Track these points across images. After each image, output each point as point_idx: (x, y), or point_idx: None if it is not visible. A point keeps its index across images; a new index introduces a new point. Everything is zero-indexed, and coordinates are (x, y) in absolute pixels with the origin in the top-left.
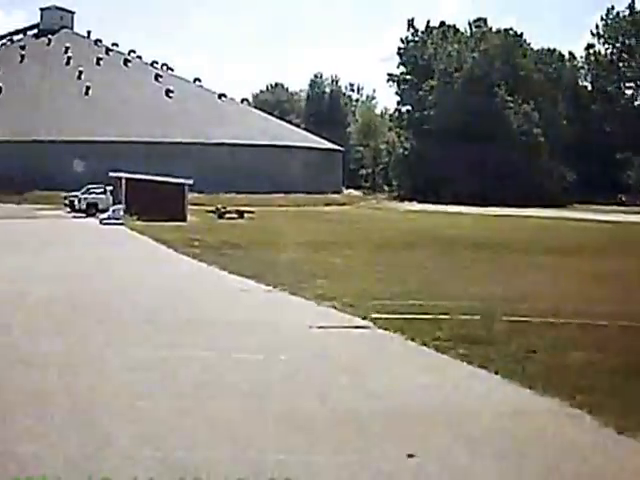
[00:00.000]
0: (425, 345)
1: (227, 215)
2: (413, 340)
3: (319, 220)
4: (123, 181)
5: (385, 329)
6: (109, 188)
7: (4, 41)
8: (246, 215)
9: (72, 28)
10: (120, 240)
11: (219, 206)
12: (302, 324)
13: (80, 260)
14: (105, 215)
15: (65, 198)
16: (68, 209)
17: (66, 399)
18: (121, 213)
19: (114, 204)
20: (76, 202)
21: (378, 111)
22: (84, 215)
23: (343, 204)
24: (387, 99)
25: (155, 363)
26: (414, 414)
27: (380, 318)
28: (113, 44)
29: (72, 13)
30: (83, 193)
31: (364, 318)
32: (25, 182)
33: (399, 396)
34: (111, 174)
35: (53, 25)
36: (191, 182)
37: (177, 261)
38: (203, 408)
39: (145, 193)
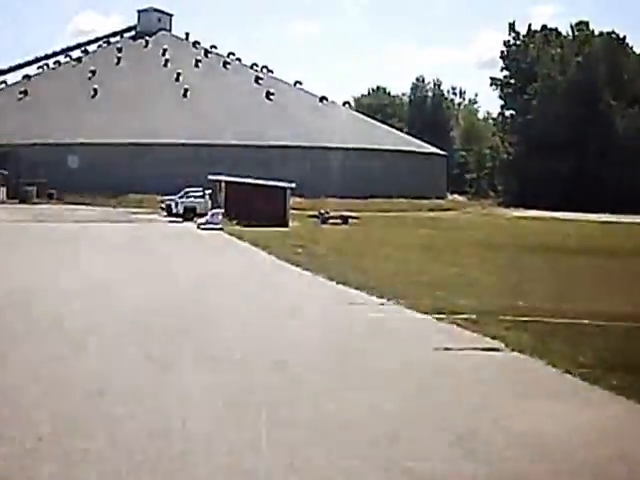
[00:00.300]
0: (569, 373)
1: (330, 220)
2: (554, 366)
3: (427, 226)
4: (223, 184)
5: (519, 351)
6: (208, 192)
7: (100, 43)
8: (350, 220)
9: (170, 30)
10: (219, 246)
11: (322, 211)
12: (424, 345)
13: (173, 269)
14: (203, 220)
15: (162, 202)
16: (164, 213)
17: None
18: (220, 217)
19: (213, 208)
20: (173, 206)
21: (480, 115)
22: (181, 220)
23: (448, 209)
24: (488, 103)
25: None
26: None
27: (510, 336)
28: (212, 46)
29: (170, 15)
30: (181, 197)
31: (493, 337)
32: (121, 185)
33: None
34: (210, 177)
35: (150, 27)
36: (293, 186)
37: (280, 269)
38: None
39: (245, 197)
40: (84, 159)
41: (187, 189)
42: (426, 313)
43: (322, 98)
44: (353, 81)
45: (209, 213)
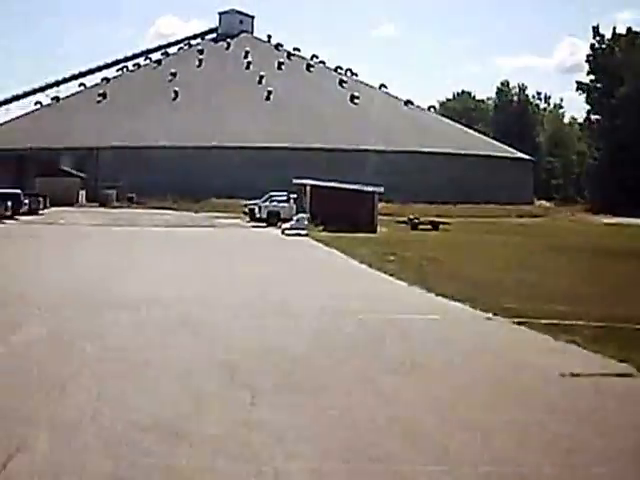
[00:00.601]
0: None
1: (420, 226)
2: None
3: (520, 233)
4: (308, 188)
5: None
6: (292, 196)
7: (181, 45)
8: (440, 226)
9: (252, 32)
10: (306, 254)
11: (411, 216)
12: (548, 369)
13: (264, 271)
14: (288, 225)
15: (245, 206)
16: (247, 218)
17: None
18: (305, 223)
19: (297, 213)
20: (256, 210)
21: (566, 120)
22: (264, 224)
23: (537, 216)
24: (571, 109)
25: None
26: None
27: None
28: (295, 49)
29: (251, 17)
30: (264, 201)
31: (622, 361)
32: (202, 189)
33: None
34: (295, 181)
35: (232, 29)
36: (381, 190)
37: (373, 279)
38: None
39: (331, 201)
40: (164, 162)
41: (271, 193)
42: (538, 330)
43: (407, 102)
44: (436, 85)
45: (294, 218)
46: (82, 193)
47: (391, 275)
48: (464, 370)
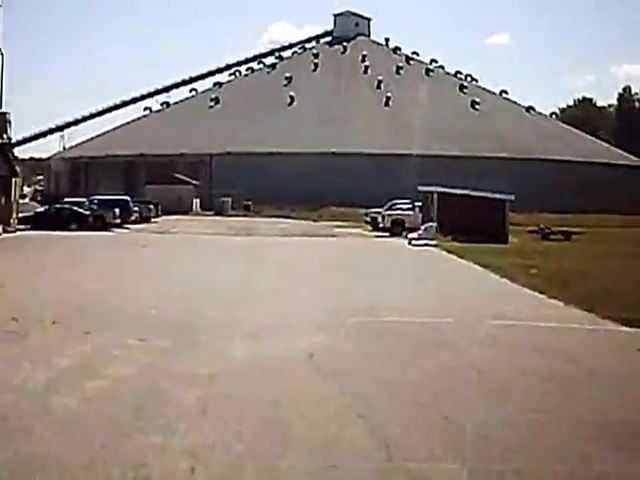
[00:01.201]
0: None
1: (551, 236)
2: None
3: None
4: (435, 196)
5: None
6: (417, 204)
7: (295, 49)
8: (573, 237)
9: (368, 35)
10: (440, 266)
11: (541, 226)
12: None
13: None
14: (415, 234)
15: (366, 214)
16: (369, 227)
17: None
18: (433, 232)
19: (424, 222)
20: (380, 219)
21: None
22: (388, 234)
23: None
24: None
25: None
26: None
27: None
28: (413, 53)
29: (368, 19)
30: (387, 209)
31: None
32: (320, 197)
33: None
34: (421, 188)
35: (347, 32)
36: (512, 198)
37: (519, 295)
38: None
39: (460, 209)
40: (280, 169)
41: (394, 201)
42: None
43: (529, 108)
44: (552, 94)
45: (422, 227)
46: (196, 201)
47: (542, 293)
48: None
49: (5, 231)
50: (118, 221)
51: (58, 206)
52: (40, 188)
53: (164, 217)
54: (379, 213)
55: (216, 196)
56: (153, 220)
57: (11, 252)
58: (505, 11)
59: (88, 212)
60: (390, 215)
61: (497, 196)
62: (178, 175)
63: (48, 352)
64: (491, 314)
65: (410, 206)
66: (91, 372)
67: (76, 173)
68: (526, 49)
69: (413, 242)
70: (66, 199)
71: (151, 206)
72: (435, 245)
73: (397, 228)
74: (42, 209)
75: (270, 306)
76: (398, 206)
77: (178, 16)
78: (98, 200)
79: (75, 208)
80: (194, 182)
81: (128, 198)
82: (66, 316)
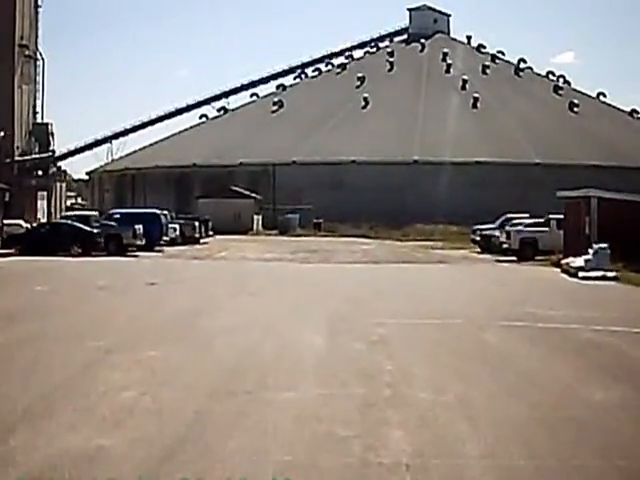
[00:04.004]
0: None
1: None
2: None
3: None
4: (594, 203)
5: None
6: (553, 217)
7: (368, 48)
8: None
9: (448, 32)
10: None
11: None
12: None
13: None
14: (580, 262)
15: (473, 232)
16: (478, 248)
17: None
18: (607, 258)
19: (567, 244)
20: (501, 238)
21: None
22: (513, 258)
23: None
24: None
25: None
26: None
27: None
28: (498, 51)
29: (447, 15)
30: (500, 226)
31: None
32: (404, 213)
33: None
34: (560, 194)
35: (425, 29)
36: None
37: None
38: None
39: (627, 223)
40: (356, 181)
41: (508, 215)
42: None
43: (632, 112)
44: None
45: (590, 252)
46: (257, 218)
47: None
48: None
49: None
50: (140, 242)
51: (54, 222)
52: (83, 203)
53: (218, 237)
54: (493, 229)
55: (281, 212)
56: (203, 241)
57: None
58: (570, 31)
59: (96, 230)
60: (518, 233)
61: None
62: (236, 188)
63: None
64: None
65: (543, 221)
66: None
67: (122, 186)
68: (591, 67)
69: (581, 274)
70: (67, 212)
71: (196, 223)
72: (615, 278)
73: (528, 251)
74: (31, 226)
75: None
76: (516, 221)
77: (235, 17)
78: (120, 214)
79: (77, 224)
80: (255, 196)
81: (158, 212)
82: None
